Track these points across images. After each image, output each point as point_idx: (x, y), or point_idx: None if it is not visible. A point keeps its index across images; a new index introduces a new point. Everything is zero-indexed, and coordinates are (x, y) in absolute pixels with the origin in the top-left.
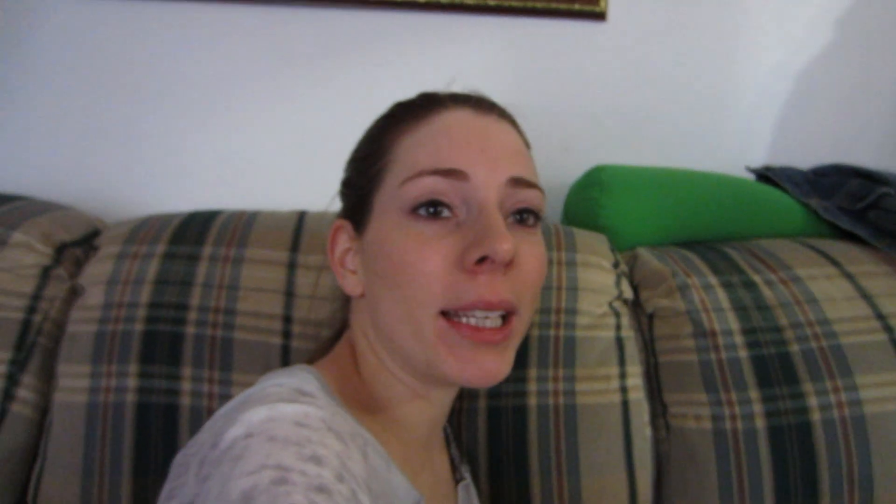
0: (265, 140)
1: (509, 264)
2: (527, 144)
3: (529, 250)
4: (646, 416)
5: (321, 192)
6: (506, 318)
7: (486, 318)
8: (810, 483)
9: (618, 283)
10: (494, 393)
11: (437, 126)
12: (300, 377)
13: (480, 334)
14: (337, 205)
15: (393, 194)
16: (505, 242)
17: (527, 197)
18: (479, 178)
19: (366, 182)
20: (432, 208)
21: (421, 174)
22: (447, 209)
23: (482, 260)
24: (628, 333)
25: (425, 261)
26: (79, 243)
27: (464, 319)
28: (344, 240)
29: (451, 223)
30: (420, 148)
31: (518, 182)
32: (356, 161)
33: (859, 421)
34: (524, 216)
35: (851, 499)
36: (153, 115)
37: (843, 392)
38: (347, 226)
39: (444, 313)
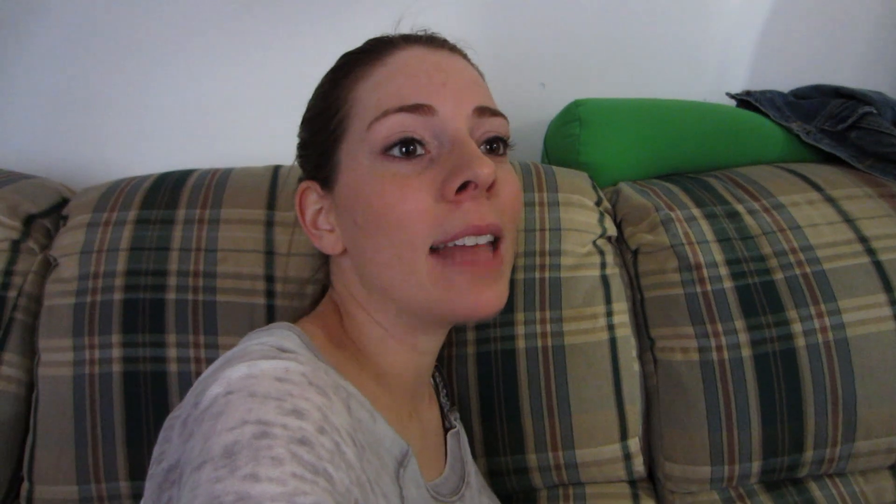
0: (232, 92)
1: (491, 188)
2: (482, 76)
3: (505, 177)
4: (633, 352)
5: (293, 143)
6: (494, 245)
7: (476, 244)
8: (796, 407)
9: (601, 221)
10: (483, 339)
11: (393, 66)
12: (280, 335)
13: (475, 267)
14: None
15: (361, 139)
16: (485, 166)
17: (494, 125)
18: (446, 110)
19: (327, 137)
20: (404, 147)
21: (387, 113)
22: (420, 146)
23: (464, 187)
24: (613, 271)
25: (407, 200)
26: (46, 213)
27: (453, 249)
28: (313, 200)
29: (426, 159)
30: (380, 88)
31: (484, 111)
32: (311, 120)
33: (842, 344)
34: (494, 145)
35: (836, 419)
36: (113, 73)
37: (826, 317)
38: (314, 185)
39: (434, 249)
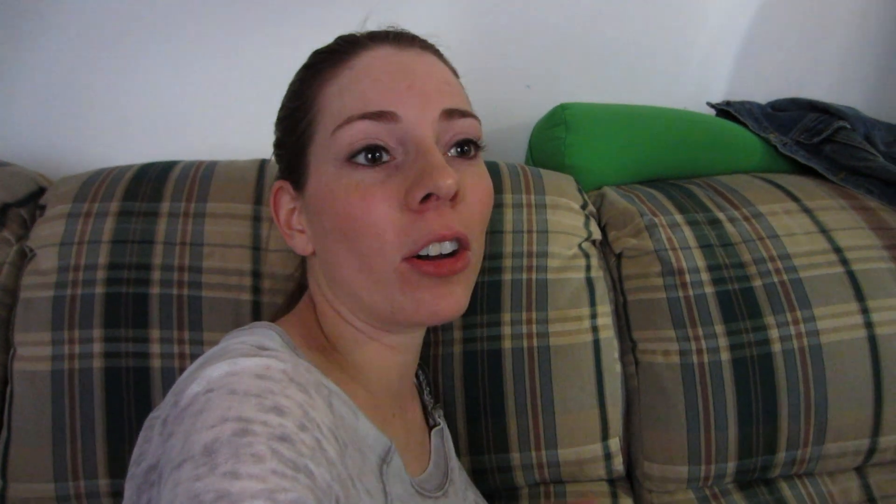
0: (215, 83)
1: (454, 198)
2: (455, 73)
3: (473, 182)
4: (616, 354)
5: None
6: (459, 250)
7: (440, 252)
8: (771, 409)
9: (587, 225)
10: (469, 338)
11: (358, 69)
12: (261, 333)
13: (440, 267)
14: None
15: (326, 145)
16: (447, 177)
17: (463, 127)
18: (410, 116)
19: (296, 138)
20: (369, 154)
21: (350, 120)
22: (384, 153)
23: (427, 198)
24: (598, 274)
25: (371, 211)
26: (22, 203)
27: (419, 260)
28: (287, 200)
29: (390, 166)
30: (345, 93)
31: (452, 113)
32: (283, 119)
33: (816, 350)
34: (464, 148)
35: (808, 422)
36: (94, 60)
37: (801, 324)
38: (287, 185)
39: (405, 258)
